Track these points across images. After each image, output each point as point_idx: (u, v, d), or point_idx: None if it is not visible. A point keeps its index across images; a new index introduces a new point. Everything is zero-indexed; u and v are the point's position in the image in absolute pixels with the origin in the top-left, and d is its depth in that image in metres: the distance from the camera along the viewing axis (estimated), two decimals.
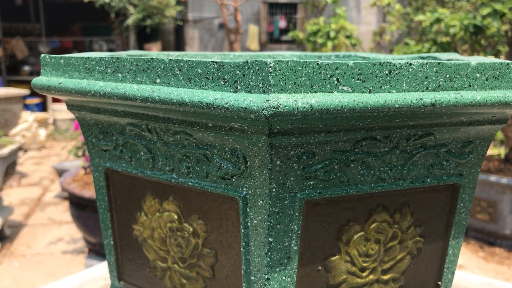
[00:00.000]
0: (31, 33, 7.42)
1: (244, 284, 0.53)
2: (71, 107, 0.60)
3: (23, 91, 5.01)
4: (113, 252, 0.65)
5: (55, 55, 0.57)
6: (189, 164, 0.53)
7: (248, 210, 0.50)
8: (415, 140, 0.52)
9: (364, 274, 0.56)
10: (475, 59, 0.56)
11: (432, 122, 0.51)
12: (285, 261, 0.51)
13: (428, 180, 0.56)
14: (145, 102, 0.47)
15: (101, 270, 1.30)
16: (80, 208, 2.45)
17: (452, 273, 0.63)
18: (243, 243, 0.52)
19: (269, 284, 0.51)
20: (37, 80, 0.57)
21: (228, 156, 0.50)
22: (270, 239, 0.50)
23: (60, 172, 3.70)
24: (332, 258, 0.54)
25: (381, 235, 0.56)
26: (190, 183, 0.54)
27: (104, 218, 0.64)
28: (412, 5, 4.93)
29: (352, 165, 0.51)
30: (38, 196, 3.82)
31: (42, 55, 0.58)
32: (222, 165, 0.50)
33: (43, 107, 6.65)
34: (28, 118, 5.36)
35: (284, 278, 0.52)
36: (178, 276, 0.59)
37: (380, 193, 0.54)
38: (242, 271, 0.53)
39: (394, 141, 0.51)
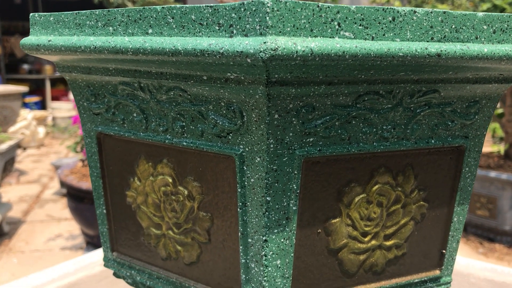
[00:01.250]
0: None
1: (241, 247, 0.51)
2: (61, 68, 0.58)
3: (21, 88, 4.99)
4: (106, 222, 0.63)
5: (45, 13, 0.55)
6: (184, 123, 0.51)
7: (245, 168, 0.48)
8: (419, 97, 0.50)
9: (366, 239, 0.54)
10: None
11: (437, 78, 0.49)
12: (284, 222, 0.49)
13: (433, 141, 0.53)
14: (137, 54, 0.45)
15: (98, 256, 1.28)
16: (78, 200, 2.42)
17: (457, 241, 0.60)
18: (240, 204, 0.49)
19: (266, 246, 0.49)
20: (25, 40, 0.55)
21: (224, 111, 0.47)
22: (268, 198, 0.48)
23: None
24: (333, 221, 0.52)
25: (384, 198, 0.53)
26: (184, 143, 0.51)
27: (96, 186, 0.62)
28: (412, 3, 4.91)
29: (353, 122, 0.49)
30: (37, 193, 3.81)
31: (32, 13, 0.56)
32: (218, 121, 0.48)
33: (42, 105, 6.64)
34: (27, 116, 5.34)
35: (282, 240, 0.50)
36: (173, 242, 0.57)
37: (382, 153, 0.51)
38: (239, 234, 0.50)
39: (398, 97, 0.49)
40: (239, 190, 0.49)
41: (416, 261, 0.59)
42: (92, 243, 2.46)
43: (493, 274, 1.20)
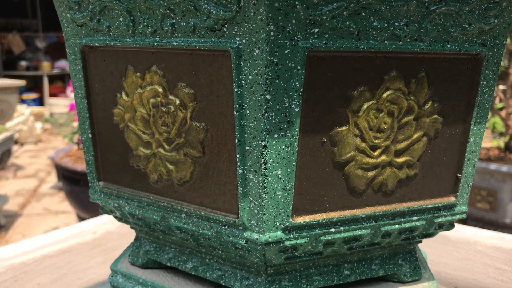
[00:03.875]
0: (28, 29, 7.36)
1: (238, 156, 0.46)
2: None
3: (18, 81, 4.95)
4: (92, 148, 0.57)
5: None
6: (174, 20, 0.46)
7: (242, 64, 0.43)
8: None
9: (375, 154, 0.49)
10: None
11: None
12: (285, 126, 0.44)
13: (448, 46, 0.49)
14: None
15: (90, 224, 1.23)
16: (73, 182, 2.37)
17: (473, 166, 0.56)
18: (237, 106, 0.44)
19: (266, 153, 0.44)
20: None
21: None
22: (267, 96, 0.43)
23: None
24: (339, 129, 0.47)
25: (395, 106, 0.48)
26: (175, 43, 0.46)
27: (81, 109, 0.57)
28: None
29: (363, 14, 0.44)
30: (34, 187, 3.77)
31: None
32: (212, 10, 0.43)
33: (40, 102, 6.59)
34: (24, 111, 5.30)
35: (283, 147, 0.45)
36: (164, 162, 0.52)
37: (394, 53, 0.47)
38: (236, 142, 0.45)
39: None
40: (235, 90, 0.44)
41: (429, 185, 0.54)
42: None
43: (501, 242, 1.15)
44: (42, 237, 1.15)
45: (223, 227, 0.49)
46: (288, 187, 0.46)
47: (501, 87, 2.71)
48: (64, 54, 7.19)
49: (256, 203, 0.46)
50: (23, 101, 6.02)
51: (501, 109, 2.68)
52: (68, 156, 2.54)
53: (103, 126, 0.56)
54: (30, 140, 5.28)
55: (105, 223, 1.24)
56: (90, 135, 0.57)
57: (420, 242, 0.60)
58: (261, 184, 0.45)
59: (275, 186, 0.46)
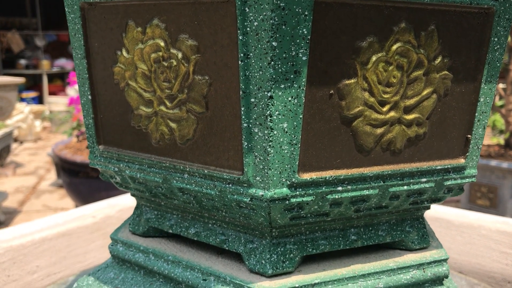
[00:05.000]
0: (27, 27, 7.35)
1: (242, 109, 0.44)
2: None
3: (17, 79, 4.93)
4: (91, 111, 0.56)
5: None
6: None
7: (247, 10, 0.42)
8: None
9: (384, 109, 0.48)
10: None
11: None
12: (292, 76, 0.43)
13: None
14: None
15: (90, 209, 1.22)
16: (73, 174, 2.36)
17: (483, 127, 0.54)
18: (241, 55, 0.43)
19: (272, 105, 0.43)
20: None
21: None
22: (274, 43, 0.41)
23: (56, 160, 3.63)
24: (347, 82, 0.45)
25: (404, 60, 0.47)
26: None
27: (81, 70, 0.55)
28: None
29: None
30: (33, 184, 3.76)
31: None
32: None
33: (39, 100, 6.57)
34: (23, 109, 5.28)
35: (290, 99, 0.43)
36: (166, 120, 0.50)
37: (404, 3, 0.45)
38: (240, 94, 0.44)
39: None
40: (240, 38, 0.43)
41: (439, 145, 0.52)
42: None
43: (505, 226, 1.14)
44: (41, 220, 1.13)
45: (227, 185, 0.48)
46: (294, 141, 0.45)
47: (501, 85, 2.70)
48: (64, 53, 7.18)
49: (261, 158, 0.45)
50: (22, 100, 6.00)
51: (501, 106, 2.68)
52: (67, 148, 2.52)
53: (103, 86, 0.55)
54: (29, 138, 5.27)
55: (105, 208, 1.22)
56: (89, 97, 0.56)
57: (428, 208, 0.59)
58: (266, 137, 0.44)
59: (281, 140, 0.44)
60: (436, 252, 0.59)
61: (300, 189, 0.47)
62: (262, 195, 0.46)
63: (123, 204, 1.21)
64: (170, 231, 0.58)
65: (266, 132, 0.44)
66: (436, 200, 0.56)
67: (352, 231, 0.55)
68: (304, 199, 0.47)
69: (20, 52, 7.06)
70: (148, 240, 0.60)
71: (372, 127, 0.48)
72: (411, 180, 0.52)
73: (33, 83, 7.00)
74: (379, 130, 0.48)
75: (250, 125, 0.44)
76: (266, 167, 0.45)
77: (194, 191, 0.51)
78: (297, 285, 0.50)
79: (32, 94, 6.46)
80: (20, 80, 5.02)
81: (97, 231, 1.17)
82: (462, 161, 0.54)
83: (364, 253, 0.58)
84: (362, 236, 0.56)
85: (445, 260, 0.58)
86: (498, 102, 2.89)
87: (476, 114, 0.53)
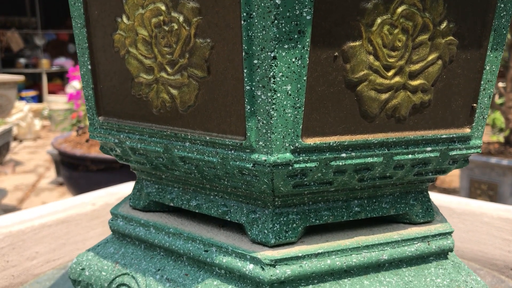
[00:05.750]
0: (27, 27, 7.34)
1: (245, 71, 0.43)
2: None
3: (16, 77, 4.93)
4: (91, 81, 0.55)
5: None
6: None
7: None
8: None
9: (389, 74, 0.47)
10: None
11: None
12: (296, 36, 0.42)
13: None
14: None
15: (89, 197, 1.21)
16: (72, 168, 2.35)
17: (489, 97, 0.53)
18: (244, 15, 0.42)
19: (275, 65, 0.42)
20: None
21: None
22: (277, 1, 0.40)
23: (56, 157, 3.63)
24: (352, 44, 0.45)
25: (410, 23, 0.46)
26: None
27: (80, 39, 0.55)
28: None
29: None
30: (33, 182, 3.75)
31: None
32: None
33: (39, 99, 6.56)
34: (23, 108, 5.28)
35: (294, 60, 0.42)
36: (167, 87, 0.50)
37: None
38: (243, 55, 0.43)
39: None
40: None
41: (444, 114, 0.51)
42: None
43: (508, 213, 1.13)
44: (40, 207, 1.13)
45: (229, 152, 0.47)
46: (298, 105, 0.44)
47: (501, 84, 2.70)
48: (63, 52, 7.17)
49: (264, 121, 0.44)
50: (21, 99, 6.00)
51: (501, 105, 2.69)
52: (67, 142, 2.52)
53: (103, 55, 0.54)
54: (29, 137, 5.26)
55: (105, 196, 1.22)
56: (89, 67, 0.55)
57: (433, 181, 0.58)
58: (269, 100, 0.43)
59: (284, 103, 0.43)
60: (440, 225, 0.58)
61: (304, 155, 0.46)
62: (265, 160, 0.45)
63: (123, 193, 1.21)
64: (171, 204, 0.57)
65: (269, 94, 0.43)
66: (441, 171, 0.55)
67: (356, 202, 0.54)
68: (308, 165, 0.46)
69: (19, 51, 7.06)
70: (149, 215, 0.59)
71: (377, 92, 0.47)
72: (416, 149, 0.51)
73: (33, 82, 6.99)
74: (384, 96, 0.48)
75: (253, 88, 0.44)
76: (269, 131, 0.44)
77: (196, 160, 0.50)
78: (300, 254, 0.49)
79: (31, 93, 6.45)
80: (20, 78, 5.02)
81: (97, 218, 1.16)
82: (467, 130, 0.53)
83: (368, 227, 0.57)
84: (365, 208, 0.55)
85: (450, 233, 0.57)
86: (498, 100, 2.89)
87: (482, 83, 0.52)
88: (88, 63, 0.55)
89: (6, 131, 3.64)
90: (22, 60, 6.95)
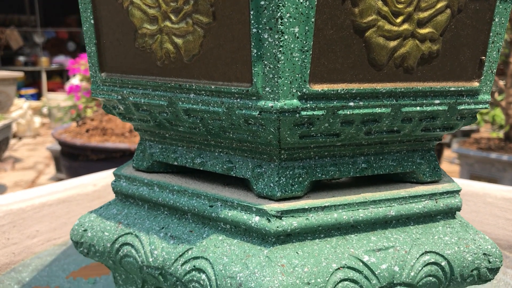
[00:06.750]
0: (26, 24, 7.33)
1: (251, 13, 0.43)
2: None
3: (16, 73, 4.92)
4: (94, 36, 0.54)
5: None
6: None
7: None
8: None
9: (397, 21, 0.46)
10: None
11: None
12: None
13: None
14: None
15: (91, 178, 1.20)
16: (72, 158, 2.34)
17: (498, 50, 0.53)
18: None
19: (283, 6, 0.41)
20: None
21: None
22: None
23: (55, 154, 3.62)
24: None
25: None
26: None
27: None
28: None
29: None
30: (32, 178, 3.74)
31: None
32: None
33: (38, 97, 6.55)
34: (22, 105, 5.27)
35: (302, 0, 0.42)
36: (171, 37, 0.49)
37: None
38: None
39: None
40: None
41: (452, 66, 0.51)
42: None
43: (511, 194, 1.13)
44: (40, 187, 1.12)
45: (235, 100, 0.46)
46: (305, 48, 0.43)
47: (501, 82, 2.70)
48: (63, 50, 7.16)
49: (271, 66, 0.43)
50: (21, 96, 5.99)
51: (501, 101, 2.69)
52: (67, 132, 2.50)
53: (106, 8, 0.53)
54: (28, 134, 5.25)
55: (106, 177, 1.21)
56: (92, 22, 0.54)
57: (440, 139, 0.57)
58: (276, 43, 0.42)
59: (292, 46, 0.43)
60: (448, 184, 0.57)
61: (311, 102, 0.45)
62: (272, 107, 0.44)
63: None
64: (176, 163, 0.57)
65: (276, 37, 0.42)
66: (449, 128, 0.55)
67: (362, 159, 0.54)
68: (315, 112, 0.45)
69: (19, 49, 7.04)
70: (153, 175, 0.59)
71: (385, 39, 0.46)
72: (424, 101, 0.50)
73: (32, 80, 6.98)
74: (392, 43, 0.47)
75: (260, 31, 0.43)
76: (276, 76, 0.43)
77: (201, 112, 0.49)
78: (306, 207, 0.49)
79: (31, 91, 6.44)
80: (19, 74, 5.01)
81: (98, 198, 1.15)
82: (476, 84, 0.52)
83: (375, 186, 0.56)
84: (372, 165, 0.54)
85: (457, 191, 0.56)
86: (498, 97, 2.89)
87: (491, 35, 0.51)
88: (91, 17, 0.54)
89: (5, 126, 3.63)
90: (21, 58, 6.93)
